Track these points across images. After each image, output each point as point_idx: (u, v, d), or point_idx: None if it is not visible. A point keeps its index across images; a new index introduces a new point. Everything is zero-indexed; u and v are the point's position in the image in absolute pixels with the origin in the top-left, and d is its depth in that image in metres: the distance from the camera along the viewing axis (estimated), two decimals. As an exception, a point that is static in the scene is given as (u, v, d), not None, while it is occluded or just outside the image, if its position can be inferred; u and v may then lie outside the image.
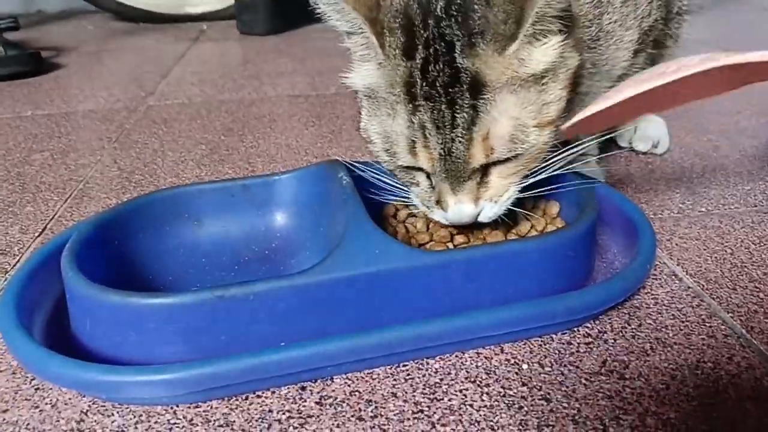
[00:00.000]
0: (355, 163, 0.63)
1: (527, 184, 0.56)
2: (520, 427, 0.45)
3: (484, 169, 0.54)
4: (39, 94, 1.35)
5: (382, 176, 0.62)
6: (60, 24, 2.25)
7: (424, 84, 0.51)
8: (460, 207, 0.54)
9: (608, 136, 0.66)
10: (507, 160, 0.53)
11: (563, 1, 0.50)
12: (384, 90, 0.54)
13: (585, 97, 0.63)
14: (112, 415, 0.47)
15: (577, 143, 0.58)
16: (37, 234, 0.74)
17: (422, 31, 0.51)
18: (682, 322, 0.55)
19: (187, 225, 0.64)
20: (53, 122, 1.15)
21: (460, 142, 0.51)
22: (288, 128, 1.08)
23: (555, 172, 0.57)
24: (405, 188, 0.60)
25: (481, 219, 0.56)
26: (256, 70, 1.49)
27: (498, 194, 0.55)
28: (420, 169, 0.55)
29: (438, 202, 0.55)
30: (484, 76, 0.50)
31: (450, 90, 0.50)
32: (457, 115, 0.50)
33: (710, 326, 0.54)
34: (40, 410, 0.48)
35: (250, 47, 1.77)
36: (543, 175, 0.56)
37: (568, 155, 0.57)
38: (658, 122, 0.93)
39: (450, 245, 0.61)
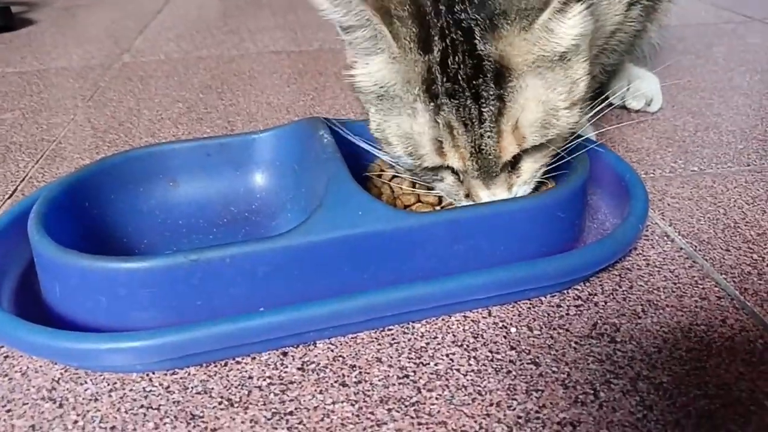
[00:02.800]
0: (337, 121, 0.61)
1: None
2: (509, 392, 0.43)
3: (515, 158, 0.51)
4: (10, 51, 1.29)
5: (365, 136, 0.59)
6: (32, -22, 2.16)
7: (445, 80, 0.47)
8: (492, 197, 0.51)
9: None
10: (541, 146, 0.50)
11: None
12: (399, 87, 0.49)
13: None
14: (85, 383, 0.45)
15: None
16: (6, 196, 0.71)
17: (435, 20, 0.47)
18: (675, 283, 0.54)
19: (163, 185, 0.61)
20: (25, 80, 1.11)
21: (489, 137, 0.47)
22: (269, 85, 1.04)
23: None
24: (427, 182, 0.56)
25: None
26: (237, 25, 1.43)
27: (532, 178, 0.52)
28: (447, 167, 0.51)
29: (467, 196, 0.52)
30: (509, 60, 0.46)
31: (474, 83, 0.46)
32: (484, 110, 0.47)
33: (703, 288, 0.53)
34: (10, 379, 0.46)
35: (229, 2, 1.70)
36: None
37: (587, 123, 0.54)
38: (651, 79, 0.91)
39: (438, 208, 0.59)
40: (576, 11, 0.48)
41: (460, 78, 0.47)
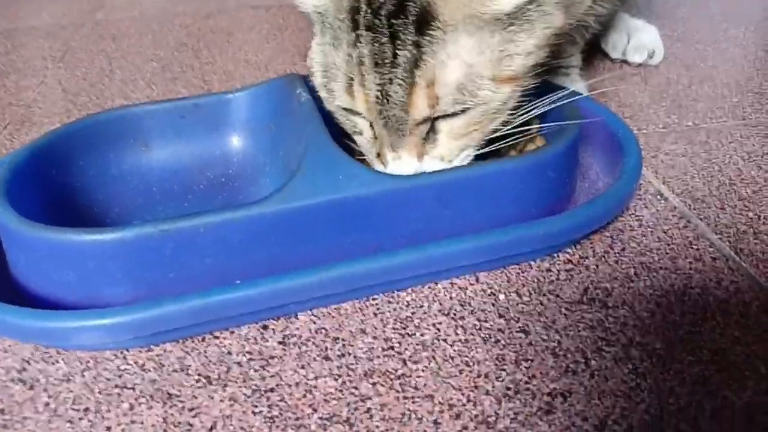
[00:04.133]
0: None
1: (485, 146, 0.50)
2: (497, 363, 0.42)
3: (432, 125, 0.47)
4: (-25, 8, 1.23)
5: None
6: (-2, -69, 2.06)
7: (368, 11, 0.44)
8: (399, 163, 0.47)
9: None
10: (455, 115, 0.46)
11: None
12: (332, 14, 0.46)
13: (572, 8, 0.57)
14: (57, 362, 0.44)
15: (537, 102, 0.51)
16: (-28, 163, 0.68)
17: None
18: (668, 245, 0.52)
19: (134, 150, 0.58)
20: (-9, 40, 1.06)
21: (399, 84, 0.44)
22: (248, 42, 1.00)
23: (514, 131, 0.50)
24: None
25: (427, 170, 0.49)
26: (214, -20, 1.37)
27: (451, 154, 0.48)
28: (360, 115, 0.48)
29: (378, 156, 0.49)
30: (435, 8, 0.43)
31: (393, 21, 0.43)
32: (399, 53, 0.43)
33: (697, 249, 0.51)
34: (-24, 359, 0.44)
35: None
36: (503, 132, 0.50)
37: (528, 114, 0.50)
38: (651, 30, 0.87)
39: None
40: None
41: (381, 14, 0.43)
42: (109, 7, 1.22)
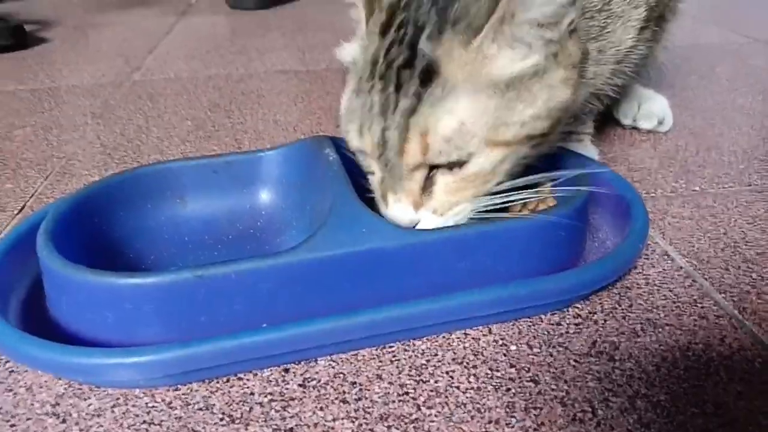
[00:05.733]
0: (342, 140, 0.62)
1: (483, 206, 0.52)
2: (508, 410, 0.44)
3: (431, 178, 0.49)
4: (22, 68, 1.31)
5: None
6: (45, -3, 2.20)
7: (383, 63, 0.49)
8: (398, 207, 0.50)
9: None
10: (450, 169, 0.49)
11: (542, 10, 0.45)
12: (360, 66, 0.51)
13: (591, 81, 0.61)
14: (89, 398, 0.46)
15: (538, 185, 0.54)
16: (16, 212, 0.72)
17: (401, 13, 0.49)
18: (674, 302, 0.54)
19: (170, 202, 0.62)
20: (36, 97, 1.13)
21: (396, 130, 0.47)
22: (276, 104, 1.06)
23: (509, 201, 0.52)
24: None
25: (420, 227, 0.51)
26: (245, 45, 1.45)
27: (443, 207, 0.50)
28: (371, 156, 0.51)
29: (383, 197, 0.52)
30: (440, 65, 0.47)
31: (402, 72, 0.47)
32: (401, 101, 0.47)
33: (702, 307, 0.54)
34: (15, 393, 0.47)
35: (239, 22, 1.73)
36: (498, 201, 0.52)
37: (526, 194, 0.52)
38: (660, 99, 0.92)
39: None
40: (532, 60, 0.47)
41: (394, 66, 0.48)
42: (145, 68, 1.29)
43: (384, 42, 0.49)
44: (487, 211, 0.53)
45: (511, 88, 0.47)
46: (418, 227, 0.51)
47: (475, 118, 0.47)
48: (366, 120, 0.49)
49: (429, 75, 0.47)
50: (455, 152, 0.47)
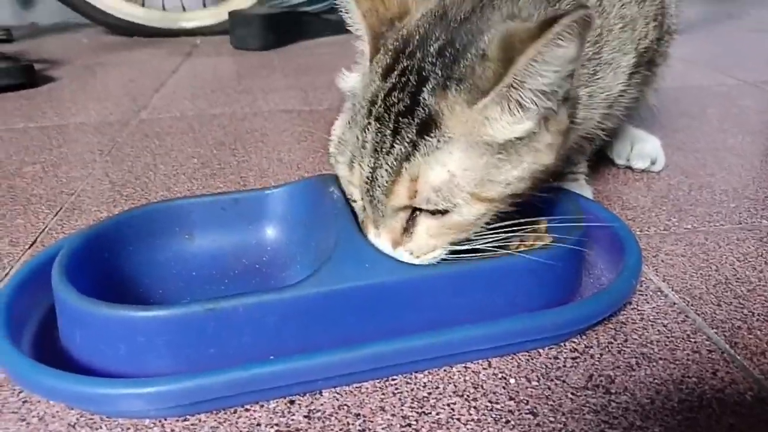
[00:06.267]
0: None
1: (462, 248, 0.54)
2: (507, 441, 0.45)
3: (413, 218, 0.52)
4: (31, 106, 1.35)
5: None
6: (53, 37, 2.25)
7: (381, 106, 0.51)
8: (377, 241, 0.53)
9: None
10: (432, 214, 0.51)
11: (550, 80, 0.47)
12: (359, 99, 0.54)
13: (580, 126, 0.64)
14: (100, 428, 0.47)
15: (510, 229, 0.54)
16: (27, 246, 0.74)
17: (405, 60, 0.51)
18: (667, 337, 0.56)
19: (179, 238, 0.64)
20: (45, 135, 1.16)
21: (386, 171, 0.49)
22: (280, 143, 1.09)
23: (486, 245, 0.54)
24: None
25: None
26: (249, 85, 1.50)
27: (420, 250, 0.52)
28: (356, 186, 0.54)
29: (364, 227, 0.55)
30: (441, 119, 0.49)
31: (400, 119, 0.49)
32: (396, 145, 0.49)
33: (695, 342, 0.55)
34: (27, 423, 0.48)
35: (243, 62, 1.78)
36: (471, 246, 0.54)
37: (500, 238, 0.54)
38: (653, 140, 0.95)
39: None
40: (524, 126, 0.49)
41: (392, 110, 0.50)
42: (152, 107, 1.33)
43: (385, 85, 0.52)
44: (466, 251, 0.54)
45: (502, 148, 0.50)
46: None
47: (465, 173, 0.49)
48: (357, 155, 0.52)
49: (427, 126, 0.49)
50: (441, 202, 0.50)
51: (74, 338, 0.50)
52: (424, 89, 0.50)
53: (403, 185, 0.49)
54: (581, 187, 0.78)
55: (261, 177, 0.93)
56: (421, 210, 0.51)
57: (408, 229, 0.52)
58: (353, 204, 0.57)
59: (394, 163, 0.49)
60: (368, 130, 0.51)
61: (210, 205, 0.65)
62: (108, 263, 0.59)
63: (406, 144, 0.49)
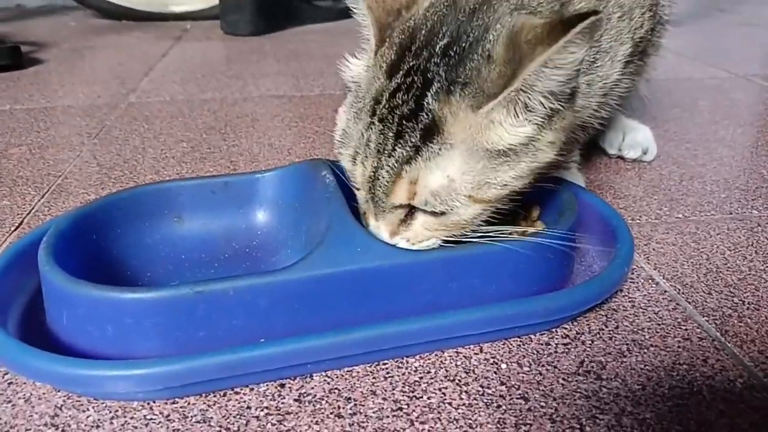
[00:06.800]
0: (338, 163, 0.63)
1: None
2: (498, 426, 0.45)
3: (411, 212, 0.52)
4: (18, 88, 1.33)
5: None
6: (40, 19, 2.22)
7: (385, 107, 0.50)
8: (376, 231, 0.53)
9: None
10: (430, 213, 0.51)
11: (559, 82, 0.47)
12: (363, 91, 0.53)
13: (579, 113, 0.63)
14: (87, 410, 0.47)
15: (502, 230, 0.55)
16: (13, 228, 0.73)
17: (411, 59, 0.50)
18: (659, 324, 0.56)
19: (168, 221, 0.63)
20: (32, 117, 1.14)
21: (387, 172, 0.49)
22: (271, 128, 1.08)
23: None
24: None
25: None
26: (240, 70, 1.48)
27: (417, 239, 0.53)
28: None
29: (365, 216, 0.55)
30: (444, 125, 0.48)
31: (404, 123, 0.49)
32: (398, 148, 0.49)
33: (686, 329, 0.55)
34: (13, 405, 0.47)
35: (233, 47, 1.76)
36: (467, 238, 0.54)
37: (494, 230, 0.54)
38: (644, 129, 0.95)
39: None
40: (526, 129, 0.49)
41: (396, 113, 0.49)
42: (141, 91, 1.31)
43: (389, 84, 0.50)
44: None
45: (503, 151, 0.49)
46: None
47: (463, 178, 0.49)
48: (360, 152, 0.51)
49: (430, 132, 0.48)
50: (439, 205, 0.50)
51: (61, 320, 0.49)
52: (429, 93, 0.49)
53: (403, 187, 0.49)
54: (573, 175, 0.78)
55: (251, 162, 0.93)
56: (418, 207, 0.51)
57: (406, 220, 0.52)
58: (357, 192, 0.56)
59: (395, 165, 0.49)
60: (372, 129, 0.50)
61: (200, 188, 0.64)
62: (96, 245, 0.58)
63: (408, 148, 0.49)
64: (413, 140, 0.49)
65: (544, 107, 0.49)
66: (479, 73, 0.48)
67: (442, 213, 0.50)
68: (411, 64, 0.50)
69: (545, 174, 0.55)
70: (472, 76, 0.48)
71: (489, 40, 0.48)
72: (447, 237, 0.53)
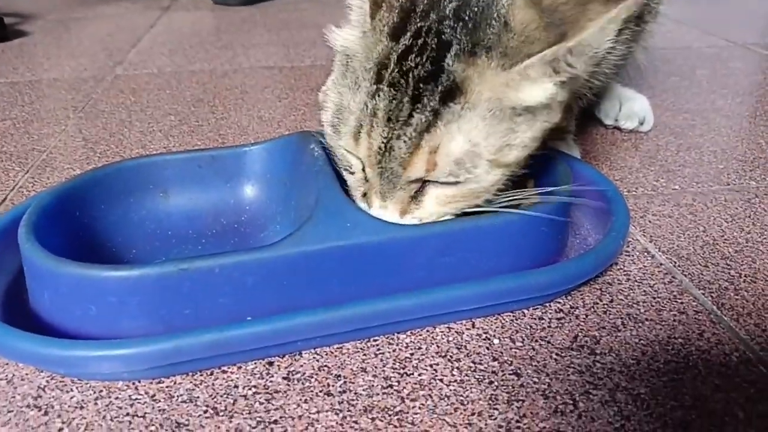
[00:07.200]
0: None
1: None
2: (490, 402, 0.44)
3: (422, 188, 0.50)
4: (2, 61, 1.30)
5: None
6: (25, -10, 2.17)
7: (395, 70, 0.47)
8: (383, 213, 0.51)
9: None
10: (446, 185, 0.49)
11: (600, 47, 0.47)
12: (359, 61, 0.50)
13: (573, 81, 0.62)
14: (71, 390, 0.46)
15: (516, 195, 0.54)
16: (-4, 205, 0.71)
17: (418, 20, 0.48)
18: (654, 298, 0.55)
19: (153, 196, 0.62)
20: (16, 90, 1.11)
21: (404, 142, 0.47)
22: (261, 100, 1.05)
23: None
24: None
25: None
26: (229, 41, 1.45)
27: (429, 218, 0.51)
28: (358, 157, 0.51)
29: (364, 195, 0.52)
30: (468, 85, 0.46)
31: (421, 85, 0.46)
32: (415, 114, 0.46)
33: (681, 302, 0.54)
34: (-4, 386, 0.46)
35: (223, 17, 1.72)
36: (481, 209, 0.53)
37: (506, 201, 0.53)
38: (641, 99, 0.93)
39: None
40: (550, 86, 0.48)
41: (411, 75, 0.47)
42: (128, 63, 1.28)
43: (397, 46, 0.48)
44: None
45: (525, 110, 0.48)
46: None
47: (486, 140, 0.47)
48: (366, 123, 0.48)
49: (451, 93, 0.46)
50: (463, 173, 0.48)
51: (43, 299, 0.48)
52: (448, 54, 0.47)
53: (422, 157, 0.47)
54: (569, 146, 0.77)
55: (241, 134, 0.91)
56: (432, 181, 0.49)
57: (416, 197, 0.50)
58: (349, 176, 0.54)
59: (413, 134, 0.47)
60: (379, 96, 0.47)
61: (186, 162, 0.62)
62: (79, 222, 0.56)
63: (427, 113, 0.46)
64: (433, 104, 0.46)
65: (576, 68, 0.47)
66: (499, 38, 0.47)
67: (459, 182, 0.49)
68: (419, 25, 0.48)
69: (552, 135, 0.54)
70: (493, 41, 0.47)
71: (503, 5, 0.47)
72: (460, 209, 0.52)
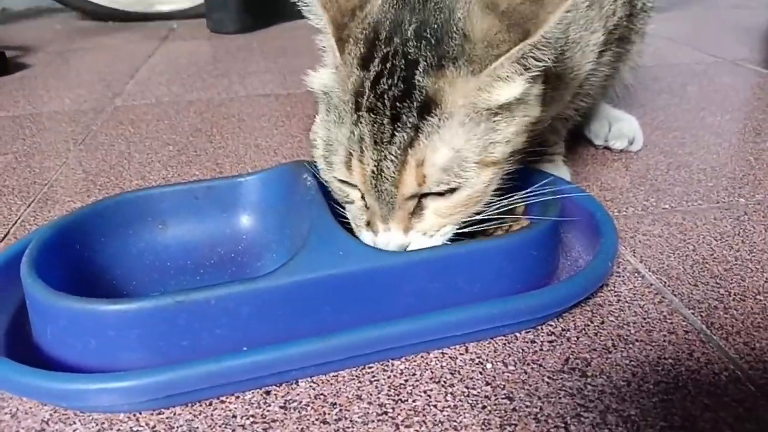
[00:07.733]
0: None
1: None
2: (483, 427, 0.45)
3: (420, 202, 0.52)
4: (3, 95, 1.32)
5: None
6: (25, 23, 2.21)
7: (371, 95, 0.49)
8: (388, 235, 0.52)
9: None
10: (442, 195, 0.51)
11: (557, 43, 0.49)
12: (337, 96, 0.52)
13: (549, 107, 0.63)
14: (74, 423, 0.47)
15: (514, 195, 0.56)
16: (-2, 239, 0.73)
17: (383, 46, 0.50)
18: (644, 318, 0.56)
19: (152, 228, 0.63)
20: (17, 124, 1.13)
21: (392, 161, 0.49)
22: (257, 128, 1.07)
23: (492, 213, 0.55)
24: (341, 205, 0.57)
25: (411, 249, 0.53)
26: (226, 69, 1.47)
27: (432, 229, 0.53)
28: (355, 186, 0.53)
29: (368, 224, 0.53)
30: (441, 97, 0.49)
31: (397, 105, 0.48)
32: (397, 133, 0.48)
33: (671, 323, 0.55)
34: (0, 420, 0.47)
35: (220, 46, 1.75)
36: (478, 216, 0.55)
37: (507, 203, 0.55)
38: (630, 120, 0.95)
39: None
40: (520, 82, 0.50)
41: (386, 97, 0.49)
42: (127, 94, 1.30)
43: (368, 74, 0.50)
44: (464, 233, 0.55)
45: (498, 109, 0.50)
46: (409, 249, 0.53)
47: (468, 144, 0.49)
48: (355, 151, 0.50)
49: (427, 106, 0.48)
50: (454, 180, 0.50)
51: (45, 333, 0.49)
52: (417, 71, 0.49)
53: (410, 173, 0.49)
54: (558, 168, 0.78)
55: (238, 163, 0.92)
56: (428, 194, 0.51)
57: (416, 213, 0.52)
58: (349, 207, 0.55)
59: (398, 151, 0.49)
60: (362, 123, 0.50)
61: (182, 194, 0.64)
62: (79, 255, 0.58)
63: (408, 130, 0.48)
64: (411, 120, 0.48)
65: (544, 60, 0.50)
66: (463, 49, 0.49)
67: (453, 191, 0.51)
68: (385, 50, 0.50)
69: (541, 133, 0.56)
70: (458, 51, 0.49)
71: (459, 18, 0.50)
72: (461, 220, 0.53)
